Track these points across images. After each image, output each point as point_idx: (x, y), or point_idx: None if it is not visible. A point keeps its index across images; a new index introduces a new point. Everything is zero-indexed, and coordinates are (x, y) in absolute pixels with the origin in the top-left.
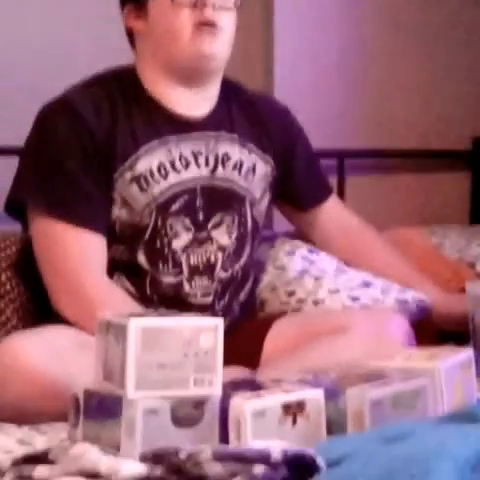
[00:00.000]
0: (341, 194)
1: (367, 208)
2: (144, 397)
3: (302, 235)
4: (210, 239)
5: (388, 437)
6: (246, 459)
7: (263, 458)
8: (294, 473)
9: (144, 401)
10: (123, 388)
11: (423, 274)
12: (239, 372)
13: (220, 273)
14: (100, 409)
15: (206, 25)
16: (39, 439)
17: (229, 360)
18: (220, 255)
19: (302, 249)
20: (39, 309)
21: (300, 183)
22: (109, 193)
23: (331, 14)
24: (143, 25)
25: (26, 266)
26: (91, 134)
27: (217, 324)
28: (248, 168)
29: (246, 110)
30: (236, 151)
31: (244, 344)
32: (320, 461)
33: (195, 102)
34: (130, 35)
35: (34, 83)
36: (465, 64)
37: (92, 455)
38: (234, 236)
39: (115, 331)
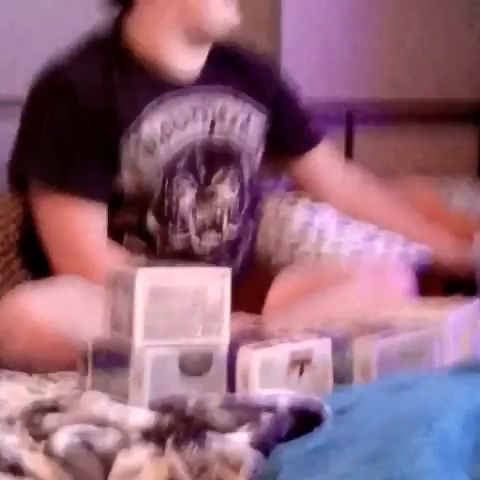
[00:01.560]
0: (349, 145)
1: (376, 159)
2: (152, 346)
3: (300, 188)
4: (214, 194)
5: (394, 387)
6: (254, 408)
7: (270, 407)
8: (301, 422)
9: (152, 350)
10: (131, 337)
11: (430, 224)
12: (244, 319)
13: (228, 226)
14: (109, 358)
15: None
16: (49, 387)
17: (233, 310)
18: (226, 209)
19: (305, 198)
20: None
21: (290, 131)
22: (114, 160)
23: None
24: None
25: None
26: (89, 107)
27: (224, 274)
28: (243, 119)
29: (233, 62)
30: (231, 103)
31: (249, 294)
32: (327, 410)
33: (191, 59)
34: None
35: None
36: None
37: (101, 403)
38: (237, 189)
39: (123, 281)
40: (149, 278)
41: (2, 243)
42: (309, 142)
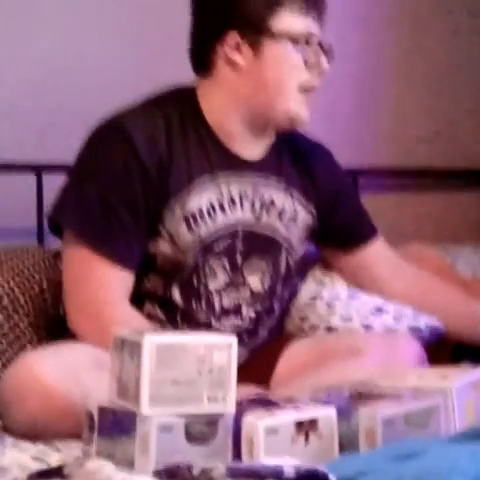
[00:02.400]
0: None
1: (380, 225)
2: (158, 414)
3: (350, 280)
4: (244, 283)
5: (400, 454)
6: (259, 476)
7: (276, 475)
8: None
9: (158, 418)
10: (137, 405)
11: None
12: (252, 390)
13: (248, 313)
14: (114, 425)
15: (310, 91)
16: (53, 456)
17: (242, 378)
18: (250, 299)
19: (315, 271)
20: (54, 325)
21: (345, 227)
22: (155, 228)
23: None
24: (246, 62)
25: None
26: (143, 167)
27: (231, 342)
28: (290, 216)
29: (294, 156)
30: (281, 197)
31: (258, 363)
32: (332, 478)
33: (253, 145)
34: (210, 59)
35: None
36: None
37: (106, 471)
38: (267, 283)
39: (130, 347)
40: (156, 344)
41: (6, 307)
42: (362, 238)
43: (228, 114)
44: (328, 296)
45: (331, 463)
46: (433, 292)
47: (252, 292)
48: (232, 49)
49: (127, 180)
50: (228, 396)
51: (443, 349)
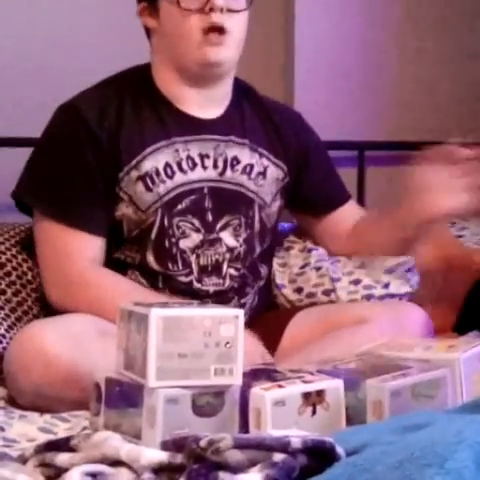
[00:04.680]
0: (361, 186)
1: (387, 199)
2: (165, 386)
3: (316, 242)
4: (219, 241)
5: (407, 426)
6: (266, 447)
7: (283, 446)
8: (313, 461)
9: (165, 390)
10: (144, 377)
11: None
12: (254, 345)
13: (229, 272)
14: (121, 397)
15: (214, 30)
16: (61, 427)
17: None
18: (228, 256)
19: (297, 243)
20: None
21: (313, 190)
22: (114, 192)
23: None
24: (156, 23)
25: None
26: (94, 138)
27: (238, 314)
28: (258, 171)
29: (259, 115)
30: (246, 155)
31: (264, 334)
32: (339, 449)
33: (205, 103)
34: (146, 30)
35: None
36: None
37: (113, 442)
38: (242, 238)
39: (137, 320)
40: (162, 318)
41: (13, 282)
42: (331, 203)
43: (167, 77)
44: (314, 261)
45: (338, 434)
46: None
47: (228, 248)
48: (145, 16)
49: (79, 152)
50: (235, 368)
51: (449, 318)
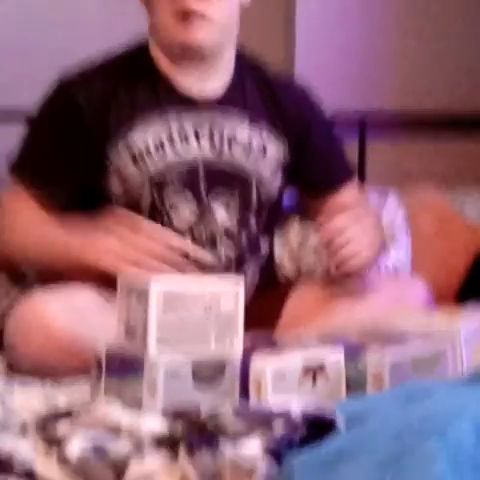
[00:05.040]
0: (362, 154)
1: (388, 168)
2: (166, 358)
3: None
4: (213, 216)
5: (407, 396)
6: (266, 417)
7: (283, 416)
8: (313, 431)
9: (166, 362)
10: (145, 349)
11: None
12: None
13: (223, 249)
14: (122, 368)
15: (186, 15)
16: (62, 397)
17: (249, 324)
18: (222, 234)
19: (299, 221)
20: None
21: (310, 169)
22: (102, 165)
23: None
24: (145, 0)
25: None
26: (79, 114)
27: (238, 289)
28: (258, 148)
29: (262, 89)
30: (245, 131)
31: (264, 308)
32: (339, 419)
33: (203, 80)
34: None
35: None
36: None
37: (114, 412)
38: (235, 214)
39: (137, 293)
40: (163, 287)
41: None
42: (330, 184)
43: (160, 55)
44: (313, 239)
45: (338, 404)
46: None
47: (222, 226)
48: None
49: (61, 124)
50: (235, 340)
51: (450, 289)
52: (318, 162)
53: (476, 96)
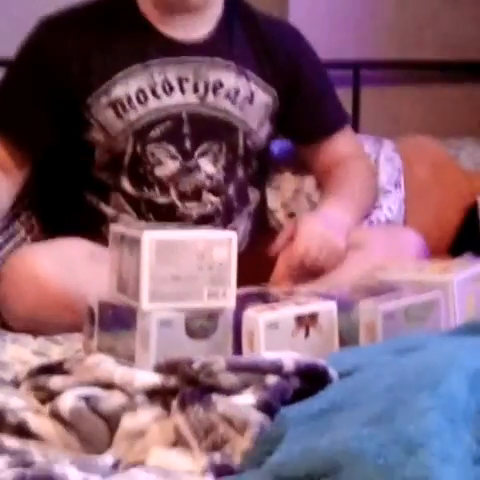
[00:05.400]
0: (356, 103)
1: (382, 117)
2: (158, 309)
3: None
4: (197, 167)
5: (400, 348)
6: (259, 370)
7: (276, 369)
8: (306, 383)
9: (158, 312)
10: (137, 300)
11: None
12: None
13: (209, 198)
14: (115, 320)
15: None
16: (54, 350)
17: (242, 274)
18: (207, 183)
19: (292, 167)
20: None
21: (302, 114)
22: (81, 117)
23: None
24: None
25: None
26: (57, 58)
27: (231, 237)
28: (244, 96)
29: (251, 35)
30: (231, 78)
31: (257, 258)
32: (332, 372)
33: (191, 26)
34: None
35: None
36: None
37: (107, 365)
38: (221, 164)
39: (129, 243)
40: (155, 240)
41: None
42: (323, 129)
43: (145, 2)
44: (308, 187)
45: (331, 356)
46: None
47: (207, 175)
48: None
49: (36, 69)
50: (228, 291)
51: (444, 240)
52: (310, 106)
53: (471, 47)
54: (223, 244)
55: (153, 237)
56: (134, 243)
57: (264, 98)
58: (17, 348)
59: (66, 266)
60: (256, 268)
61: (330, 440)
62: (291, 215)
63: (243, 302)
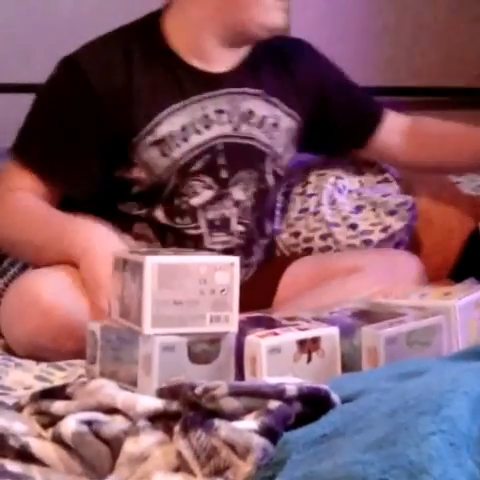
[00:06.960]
0: None
1: None
2: (161, 333)
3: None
4: (229, 195)
5: (402, 373)
6: (261, 395)
7: (278, 394)
8: (308, 409)
9: (161, 337)
10: (140, 324)
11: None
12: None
13: (237, 228)
14: (117, 345)
15: None
16: (57, 375)
17: (243, 301)
18: (235, 210)
19: (297, 187)
20: None
21: (345, 120)
22: (125, 156)
23: None
24: None
25: None
26: (96, 99)
27: (233, 261)
28: (271, 123)
29: (273, 62)
30: (261, 107)
31: (259, 285)
32: (334, 397)
33: (225, 59)
34: None
35: None
36: None
37: (109, 390)
38: (251, 192)
39: (131, 268)
40: (157, 265)
41: None
42: (369, 125)
43: (201, 34)
44: (313, 206)
45: (333, 381)
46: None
47: (236, 202)
48: None
49: (76, 111)
50: (230, 315)
51: (445, 266)
52: (350, 107)
53: (465, 71)
54: (225, 268)
55: (155, 261)
56: (136, 267)
57: (288, 123)
58: (20, 373)
59: (70, 292)
60: (258, 293)
61: (332, 465)
62: (296, 234)
63: (245, 327)
